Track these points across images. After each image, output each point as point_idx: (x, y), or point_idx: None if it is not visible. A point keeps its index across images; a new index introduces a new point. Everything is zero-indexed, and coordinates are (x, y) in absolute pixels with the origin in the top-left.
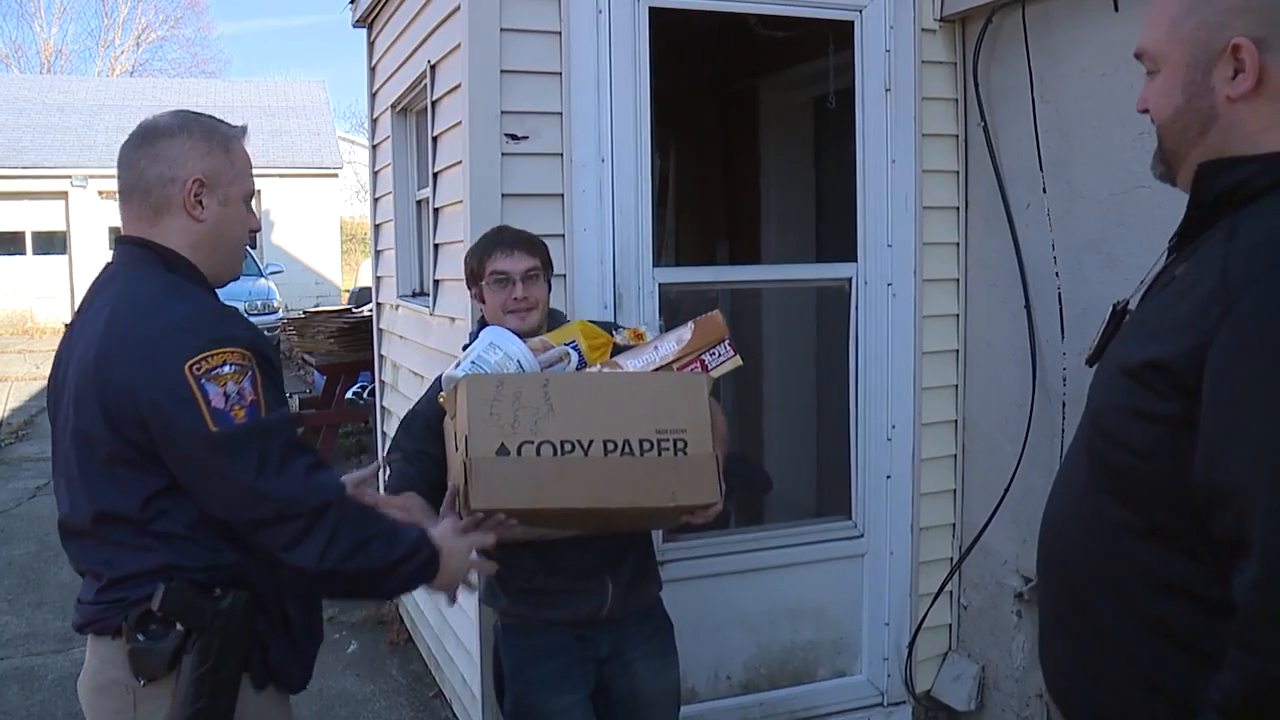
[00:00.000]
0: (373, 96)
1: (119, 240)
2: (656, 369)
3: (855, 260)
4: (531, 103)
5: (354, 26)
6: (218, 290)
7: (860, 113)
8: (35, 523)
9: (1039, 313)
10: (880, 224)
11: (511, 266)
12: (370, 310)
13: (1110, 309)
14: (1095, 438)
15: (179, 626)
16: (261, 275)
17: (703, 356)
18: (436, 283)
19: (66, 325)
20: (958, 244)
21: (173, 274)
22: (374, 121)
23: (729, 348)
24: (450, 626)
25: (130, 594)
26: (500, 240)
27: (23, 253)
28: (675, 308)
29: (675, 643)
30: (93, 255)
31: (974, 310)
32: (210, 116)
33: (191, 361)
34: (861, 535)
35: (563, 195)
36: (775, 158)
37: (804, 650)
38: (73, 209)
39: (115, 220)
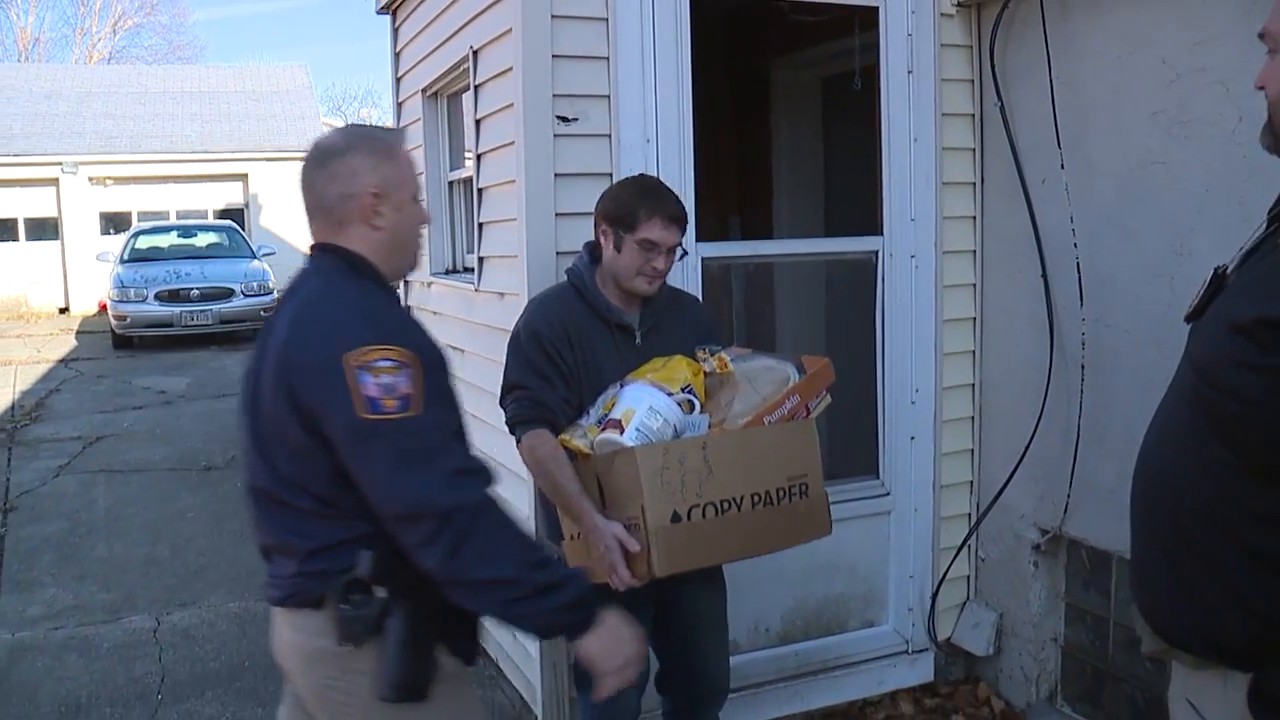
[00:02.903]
0: (397, 81)
1: (312, 247)
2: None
3: (881, 234)
4: (581, 86)
5: (378, 13)
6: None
7: (885, 94)
8: (62, 500)
9: (1056, 282)
10: (904, 199)
11: (665, 239)
12: None
13: (1211, 271)
14: (1201, 387)
15: (381, 593)
16: (255, 257)
17: (808, 402)
18: (481, 260)
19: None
20: (974, 218)
21: (356, 275)
22: (399, 105)
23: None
24: None
25: (330, 565)
26: (664, 206)
27: (16, 239)
28: (715, 279)
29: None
30: (84, 240)
31: (990, 280)
32: (371, 126)
33: (351, 354)
34: (888, 493)
35: (611, 174)
36: (786, 136)
37: (836, 603)
38: (64, 195)
39: (105, 205)
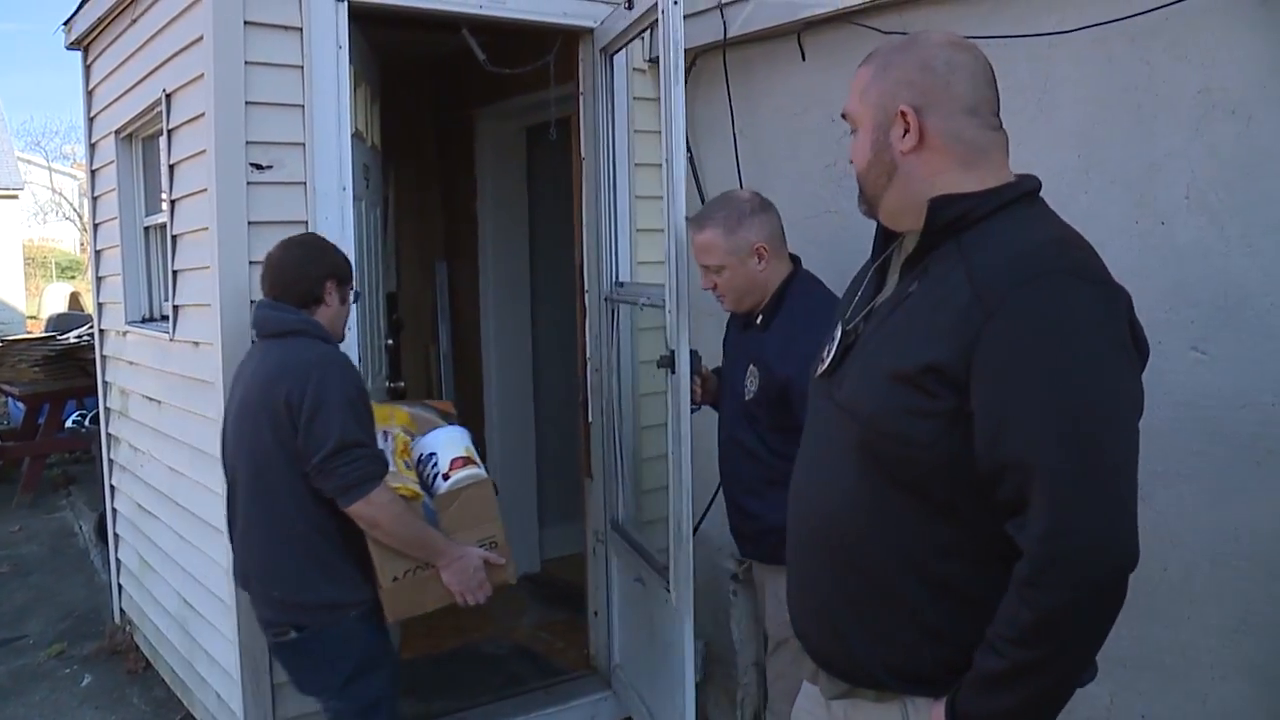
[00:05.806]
0: (90, 121)
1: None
2: None
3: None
4: (275, 133)
5: (68, 49)
6: None
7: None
8: None
9: None
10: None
11: None
12: (76, 338)
13: (841, 329)
14: (869, 436)
15: None
16: None
17: None
18: (176, 308)
19: None
20: (664, 261)
21: None
22: (93, 146)
23: None
24: (201, 647)
25: None
26: None
27: None
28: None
29: None
30: None
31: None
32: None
33: None
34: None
35: (307, 222)
36: (491, 183)
37: None
38: None
39: None
